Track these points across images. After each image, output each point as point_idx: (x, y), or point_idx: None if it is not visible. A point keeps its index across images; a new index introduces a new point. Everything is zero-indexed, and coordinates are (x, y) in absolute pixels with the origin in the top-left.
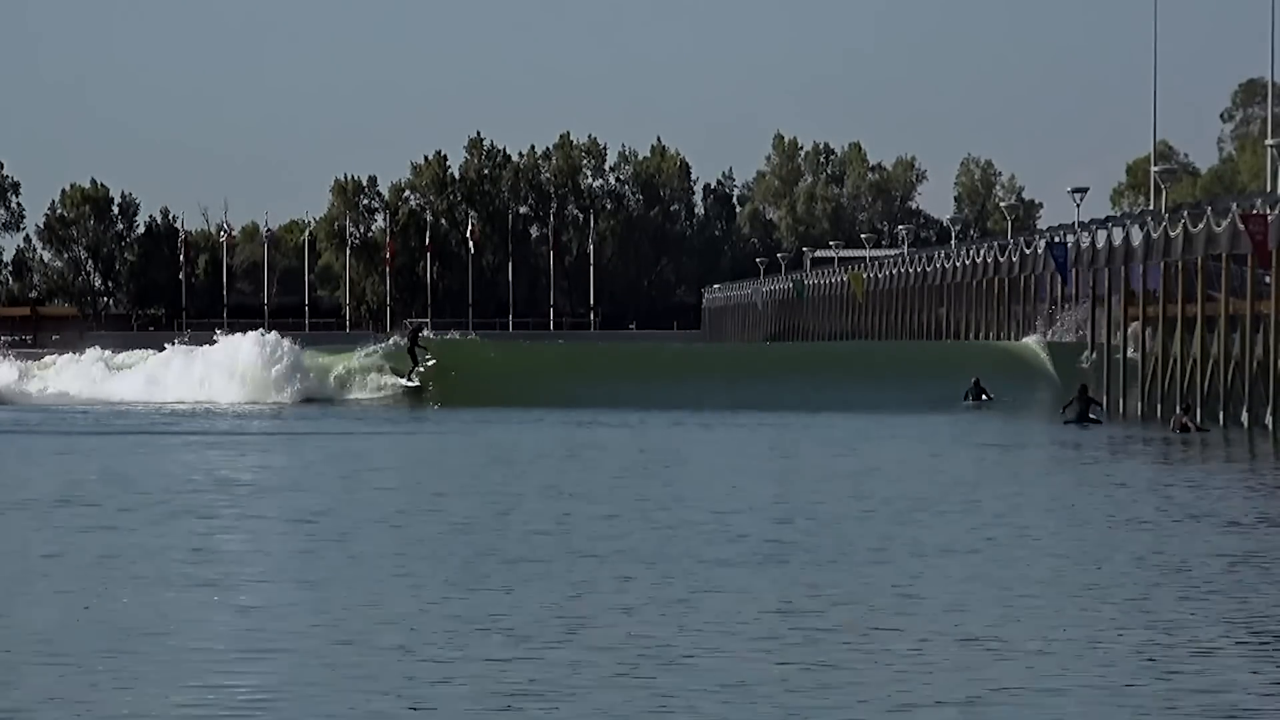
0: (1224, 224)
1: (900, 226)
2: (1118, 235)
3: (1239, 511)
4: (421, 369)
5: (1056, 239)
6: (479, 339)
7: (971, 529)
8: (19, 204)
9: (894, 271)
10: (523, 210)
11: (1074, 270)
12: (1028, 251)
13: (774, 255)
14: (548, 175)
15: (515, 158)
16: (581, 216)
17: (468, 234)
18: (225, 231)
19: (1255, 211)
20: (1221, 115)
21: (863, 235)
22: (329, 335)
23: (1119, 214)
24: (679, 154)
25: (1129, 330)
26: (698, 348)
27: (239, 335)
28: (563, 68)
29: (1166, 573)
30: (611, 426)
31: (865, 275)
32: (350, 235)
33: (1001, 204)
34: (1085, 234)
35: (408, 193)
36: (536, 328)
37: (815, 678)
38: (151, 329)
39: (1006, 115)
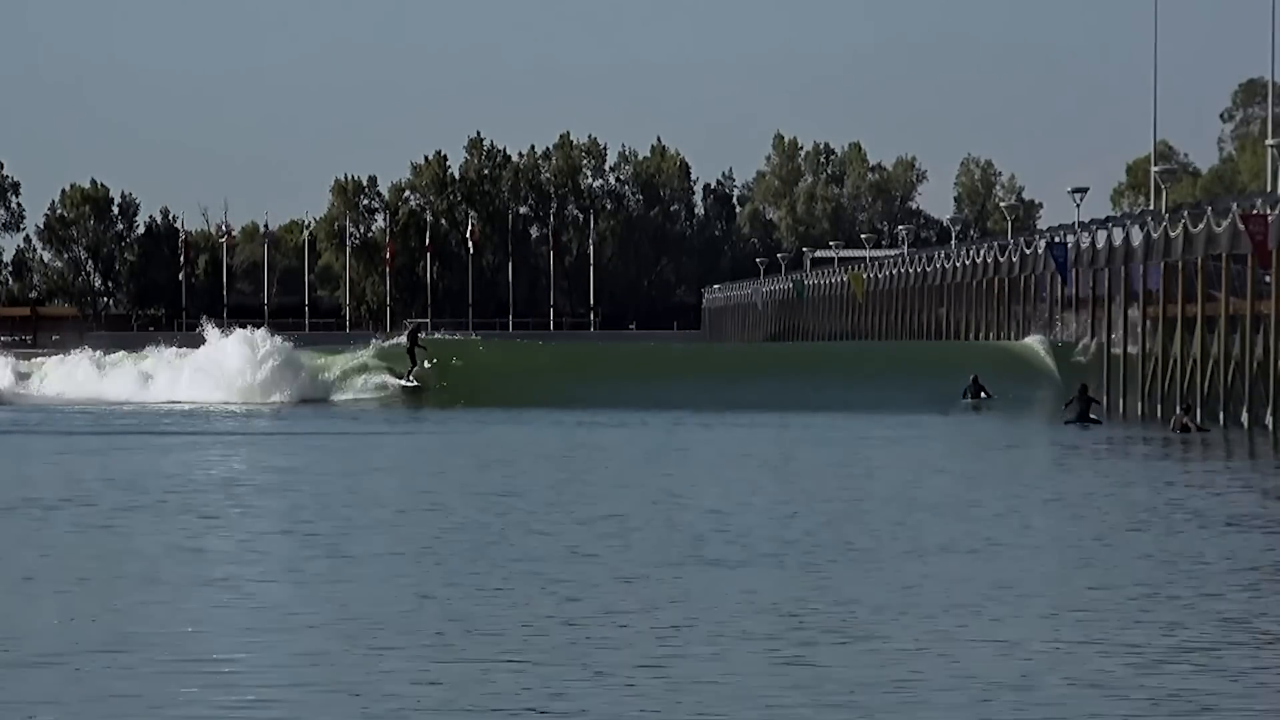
0: (1224, 224)
1: (900, 226)
2: (1118, 235)
3: (1239, 512)
4: (421, 369)
5: (1056, 239)
6: (477, 339)
7: (971, 529)
8: (19, 204)
9: (894, 271)
10: (523, 210)
11: (1074, 270)
12: (1028, 252)
13: (774, 255)
14: (548, 175)
15: (515, 158)
16: (581, 216)
17: (468, 234)
18: (225, 231)
19: (1255, 211)
20: (1221, 115)
21: (863, 235)
22: (329, 335)
23: (1119, 214)
24: (679, 154)
25: (1127, 320)
26: (698, 348)
27: (226, 336)
28: (563, 68)
29: (1166, 573)
30: (611, 426)
31: (865, 275)
32: (350, 235)
33: (1001, 204)
34: (1085, 234)
35: (408, 193)
36: (536, 328)
37: (815, 678)
38: (152, 329)
39: (1006, 115)
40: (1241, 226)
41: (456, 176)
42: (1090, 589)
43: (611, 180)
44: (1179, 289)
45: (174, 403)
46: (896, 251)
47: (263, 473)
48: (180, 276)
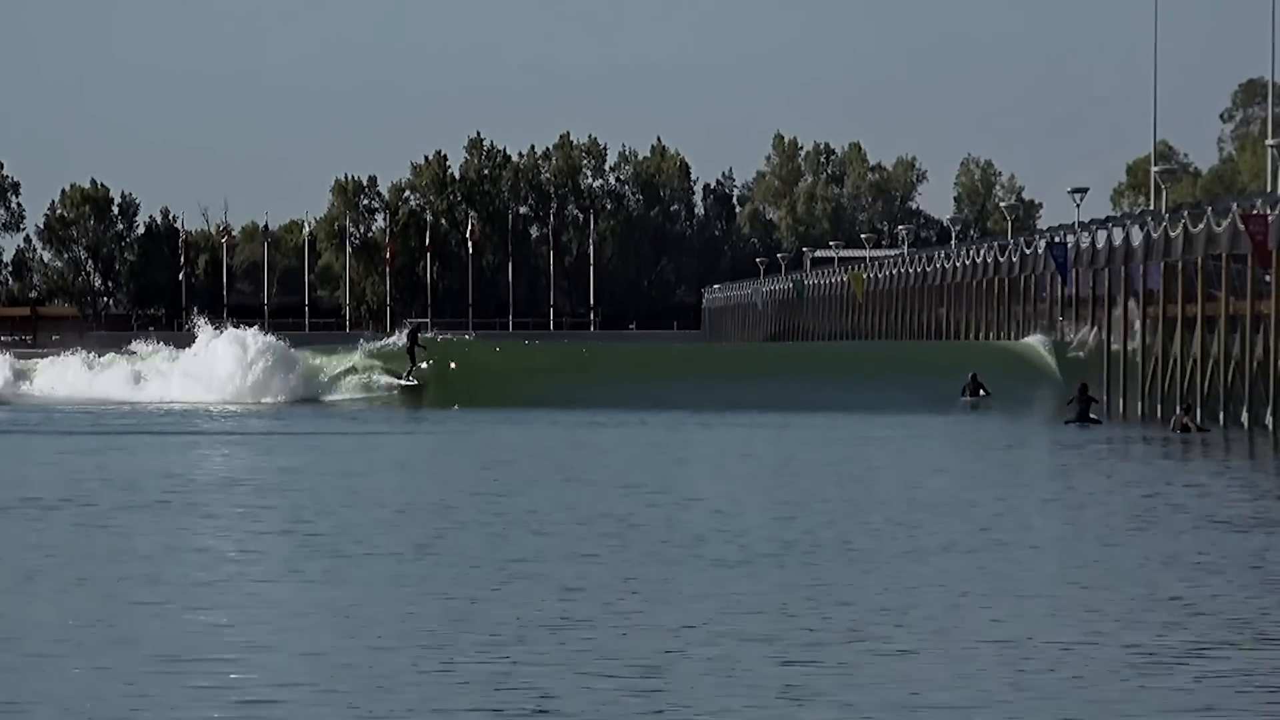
0: (1224, 224)
1: (900, 226)
2: (1118, 235)
3: (1239, 512)
4: (420, 369)
5: (1056, 239)
6: (475, 339)
7: (971, 529)
8: (19, 204)
9: (894, 271)
10: (523, 210)
11: (1074, 270)
12: (1028, 252)
13: (774, 255)
14: (548, 175)
15: (515, 158)
16: (581, 216)
17: (468, 234)
18: (225, 231)
19: (1255, 211)
20: (1221, 115)
21: (863, 235)
22: (329, 336)
23: (1119, 214)
24: (679, 154)
25: (1127, 320)
26: (698, 348)
27: (218, 336)
28: (563, 68)
29: (1166, 573)
30: (611, 427)
31: (865, 275)
32: (350, 235)
33: (1001, 204)
34: (1085, 234)
35: (408, 193)
36: (536, 328)
37: (815, 678)
38: (152, 329)
39: (1006, 115)
40: (1241, 226)
41: (456, 176)
42: (1090, 589)
43: (611, 180)
44: (1179, 289)
45: (168, 403)
46: (896, 251)
47: (263, 473)
48: (180, 276)
